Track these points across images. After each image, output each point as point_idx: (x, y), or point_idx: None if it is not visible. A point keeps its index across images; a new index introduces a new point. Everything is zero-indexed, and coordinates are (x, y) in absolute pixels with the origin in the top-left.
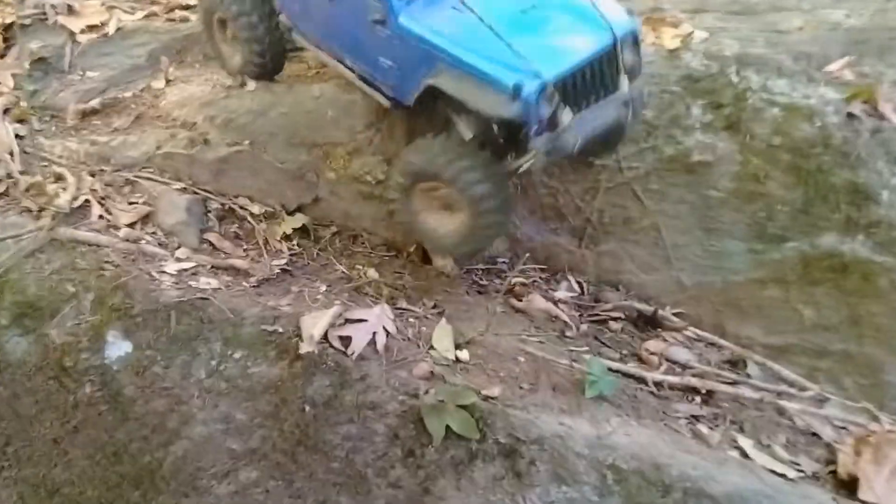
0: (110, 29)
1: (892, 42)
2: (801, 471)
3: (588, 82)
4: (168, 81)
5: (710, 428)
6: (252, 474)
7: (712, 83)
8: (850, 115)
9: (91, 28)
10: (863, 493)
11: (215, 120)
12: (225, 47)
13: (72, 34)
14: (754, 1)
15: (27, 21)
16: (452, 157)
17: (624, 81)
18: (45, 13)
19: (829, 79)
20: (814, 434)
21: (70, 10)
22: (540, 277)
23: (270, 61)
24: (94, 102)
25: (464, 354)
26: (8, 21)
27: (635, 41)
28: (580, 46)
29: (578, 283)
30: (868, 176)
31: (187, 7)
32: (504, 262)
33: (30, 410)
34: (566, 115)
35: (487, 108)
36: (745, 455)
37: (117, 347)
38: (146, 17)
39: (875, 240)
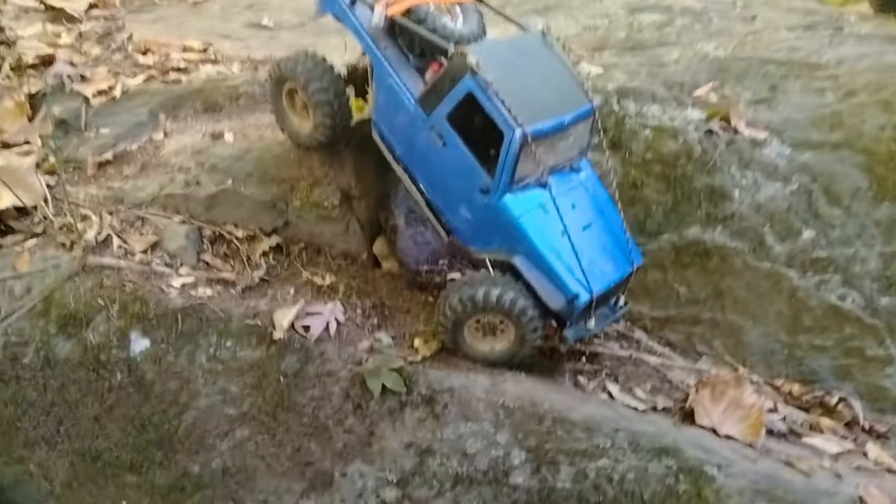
0: (117, 92)
1: (749, 68)
2: (654, 406)
3: (606, 294)
4: (166, 134)
5: (588, 379)
6: (245, 432)
7: (598, 112)
8: (709, 132)
9: (101, 92)
10: (699, 420)
11: (204, 165)
12: (292, 116)
13: (86, 98)
14: (644, 38)
15: (48, 90)
16: (508, 291)
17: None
18: (63, 82)
19: (697, 102)
20: (679, 383)
21: (83, 79)
22: None
23: (339, 129)
24: (108, 155)
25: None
26: (34, 90)
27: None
28: (615, 270)
29: None
30: (723, 179)
31: (179, 70)
32: (444, 263)
33: (75, 396)
34: (592, 322)
35: (544, 295)
36: (611, 396)
37: (139, 344)
38: (146, 80)
39: (730, 229)
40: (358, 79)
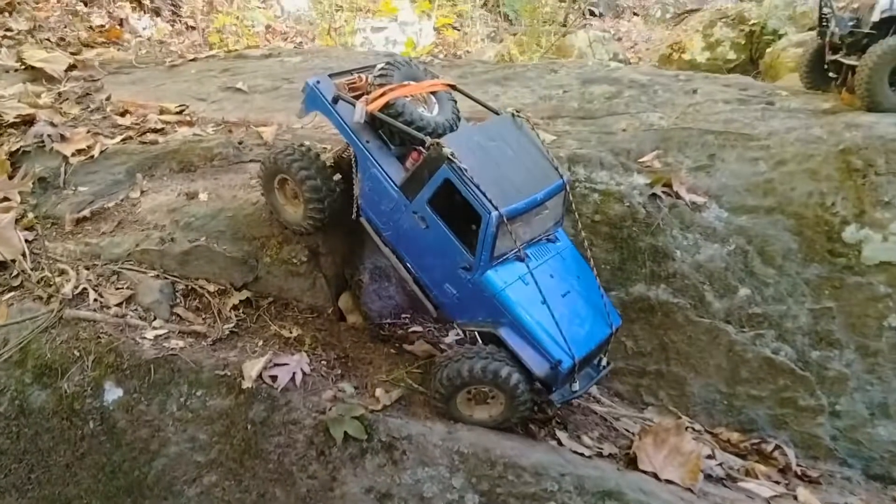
0: (95, 152)
1: (690, 138)
2: (600, 452)
3: (588, 356)
4: (142, 192)
5: (539, 427)
6: (213, 478)
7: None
8: (653, 196)
9: (80, 152)
10: (642, 465)
11: (179, 223)
12: (283, 203)
13: (65, 157)
14: (595, 108)
15: (29, 148)
16: (495, 364)
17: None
18: (43, 141)
19: (642, 168)
20: (625, 431)
21: (63, 138)
22: (434, 328)
23: (327, 219)
24: (86, 212)
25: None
26: (14, 149)
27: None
28: (595, 333)
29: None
30: (666, 240)
31: (156, 131)
32: (407, 317)
33: (48, 444)
34: (576, 384)
35: (529, 363)
36: (560, 443)
37: (112, 393)
38: (123, 140)
39: (672, 287)
40: (345, 166)
